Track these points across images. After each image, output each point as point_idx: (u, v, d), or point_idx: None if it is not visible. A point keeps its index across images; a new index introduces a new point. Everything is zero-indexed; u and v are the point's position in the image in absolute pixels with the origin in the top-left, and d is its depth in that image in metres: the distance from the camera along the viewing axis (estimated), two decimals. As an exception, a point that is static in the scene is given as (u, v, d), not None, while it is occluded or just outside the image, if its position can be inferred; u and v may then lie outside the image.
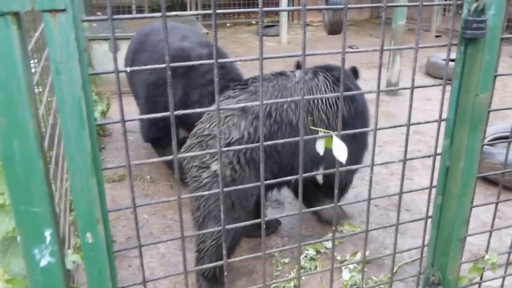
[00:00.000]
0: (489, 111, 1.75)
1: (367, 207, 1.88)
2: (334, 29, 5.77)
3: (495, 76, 1.69)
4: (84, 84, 1.24)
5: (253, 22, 12.58)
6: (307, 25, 12.68)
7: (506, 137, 3.83)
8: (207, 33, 6.56)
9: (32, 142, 1.24)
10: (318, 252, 3.24)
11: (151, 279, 1.61)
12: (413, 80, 1.60)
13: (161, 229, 3.54)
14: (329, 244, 3.25)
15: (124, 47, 4.80)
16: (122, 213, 3.69)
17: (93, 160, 1.31)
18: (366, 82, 7.31)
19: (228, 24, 12.51)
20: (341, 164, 1.56)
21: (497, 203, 2.11)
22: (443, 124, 1.77)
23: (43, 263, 1.32)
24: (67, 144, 1.28)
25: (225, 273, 1.65)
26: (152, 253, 3.23)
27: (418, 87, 1.65)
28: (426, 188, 1.88)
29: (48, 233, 1.30)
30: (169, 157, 1.47)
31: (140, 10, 12.15)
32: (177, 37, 3.92)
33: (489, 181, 4.07)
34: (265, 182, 1.50)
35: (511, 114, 5.79)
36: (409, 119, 1.69)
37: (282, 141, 1.54)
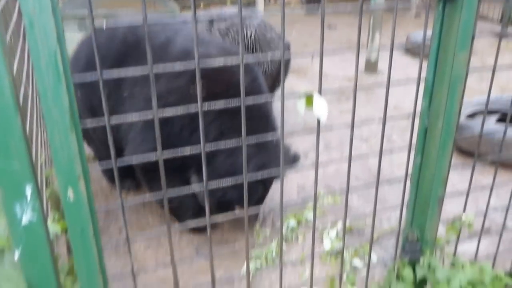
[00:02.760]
0: (467, 71, 1.78)
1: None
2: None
3: (473, 37, 1.71)
4: (59, 37, 1.22)
5: (229, 3, 12.41)
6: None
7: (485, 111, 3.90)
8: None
9: (8, 97, 1.22)
10: (299, 222, 3.27)
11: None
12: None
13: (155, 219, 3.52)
14: (310, 215, 3.28)
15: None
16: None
17: (72, 115, 1.29)
18: (345, 62, 7.34)
19: (201, 5, 12.33)
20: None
21: (474, 163, 2.15)
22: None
23: (25, 219, 1.31)
24: (44, 99, 1.27)
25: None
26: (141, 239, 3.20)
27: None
28: (405, 147, 1.91)
29: (28, 189, 1.29)
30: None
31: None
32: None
33: (466, 153, 4.15)
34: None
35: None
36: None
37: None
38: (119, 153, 3.12)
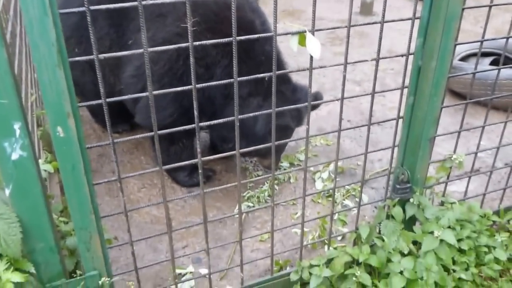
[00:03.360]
0: (463, 9, 1.74)
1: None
2: None
3: (471, -29, 1.67)
4: (44, -35, 1.18)
5: None
6: None
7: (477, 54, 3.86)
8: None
9: (-8, 30, 1.18)
10: (291, 164, 3.29)
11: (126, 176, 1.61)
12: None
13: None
14: (302, 157, 3.30)
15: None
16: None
17: (59, 51, 1.26)
18: (340, 3, 7.20)
19: None
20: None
21: (466, 105, 2.15)
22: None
23: (14, 156, 1.31)
24: (31, 33, 1.23)
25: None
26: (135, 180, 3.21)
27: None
28: (399, 89, 1.90)
29: (17, 126, 1.28)
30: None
31: None
32: None
33: (458, 95, 4.15)
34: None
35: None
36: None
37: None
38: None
